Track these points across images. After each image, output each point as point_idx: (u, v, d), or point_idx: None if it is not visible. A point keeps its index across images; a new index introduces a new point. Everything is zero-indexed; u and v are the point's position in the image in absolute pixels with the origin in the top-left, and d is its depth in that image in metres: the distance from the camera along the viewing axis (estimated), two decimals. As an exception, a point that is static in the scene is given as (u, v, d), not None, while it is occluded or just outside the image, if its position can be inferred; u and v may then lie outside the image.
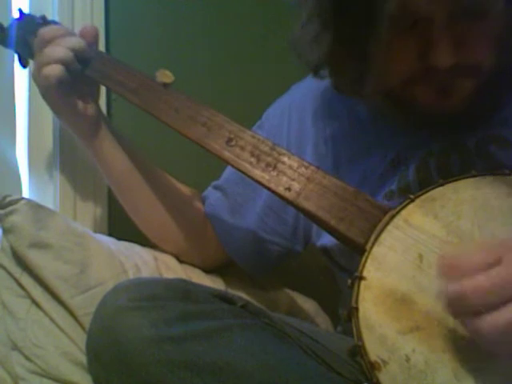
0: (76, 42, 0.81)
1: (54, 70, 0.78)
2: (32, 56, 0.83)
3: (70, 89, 0.80)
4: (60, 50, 0.78)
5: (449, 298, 0.47)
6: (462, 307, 0.47)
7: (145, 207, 0.88)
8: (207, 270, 0.91)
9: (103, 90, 0.90)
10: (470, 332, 0.48)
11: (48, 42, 0.79)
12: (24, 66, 0.87)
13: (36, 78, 0.80)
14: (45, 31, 0.81)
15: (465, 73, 0.62)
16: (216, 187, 0.91)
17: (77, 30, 0.94)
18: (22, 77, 0.94)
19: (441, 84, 0.63)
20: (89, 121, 0.84)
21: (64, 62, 0.78)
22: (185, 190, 0.91)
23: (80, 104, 0.82)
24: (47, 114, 0.92)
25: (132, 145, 0.87)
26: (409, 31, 0.62)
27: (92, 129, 0.84)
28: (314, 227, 0.82)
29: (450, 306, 0.48)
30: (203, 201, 0.91)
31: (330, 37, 0.65)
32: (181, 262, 0.90)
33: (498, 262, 0.46)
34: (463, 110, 0.65)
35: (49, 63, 0.78)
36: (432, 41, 0.60)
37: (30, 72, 0.92)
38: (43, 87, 0.81)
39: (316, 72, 0.72)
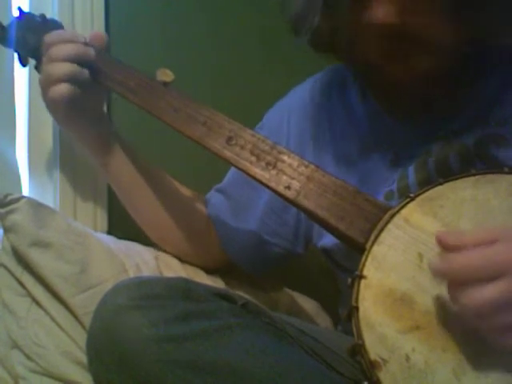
0: (71, 49, 0.76)
1: (61, 91, 0.75)
2: (32, 54, 0.83)
3: (79, 103, 0.78)
4: (60, 66, 0.75)
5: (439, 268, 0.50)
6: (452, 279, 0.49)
7: (148, 210, 0.87)
8: (209, 271, 0.91)
9: (103, 89, 0.90)
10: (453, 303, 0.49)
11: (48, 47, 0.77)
12: (24, 64, 0.86)
13: (44, 99, 0.79)
14: (46, 39, 0.78)
15: (410, 39, 0.61)
16: (218, 190, 0.91)
17: (77, 30, 0.94)
18: (21, 77, 0.94)
19: (389, 48, 0.63)
20: (99, 135, 0.83)
21: (69, 77, 0.75)
22: (188, 192, 0.90)
23: (89, 117, 0.81)
24: (47, 114, 0.92)
25: (136, 150, 0.87)
26: None
27: (102, 142, 0.83)
28: (315, 228, 0.82)
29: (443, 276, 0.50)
30: (206, 204, 0.91)
31: None
32: (181, 261, 0.90)
33: (493, 242, 0.48)
34: (435, 94, 0.66)
35: (53, 83, 0.75)
36: None
37: (30, 72, 0.92)
38: (53, 109, 0.79)
39: (295, 27, 0.71)
